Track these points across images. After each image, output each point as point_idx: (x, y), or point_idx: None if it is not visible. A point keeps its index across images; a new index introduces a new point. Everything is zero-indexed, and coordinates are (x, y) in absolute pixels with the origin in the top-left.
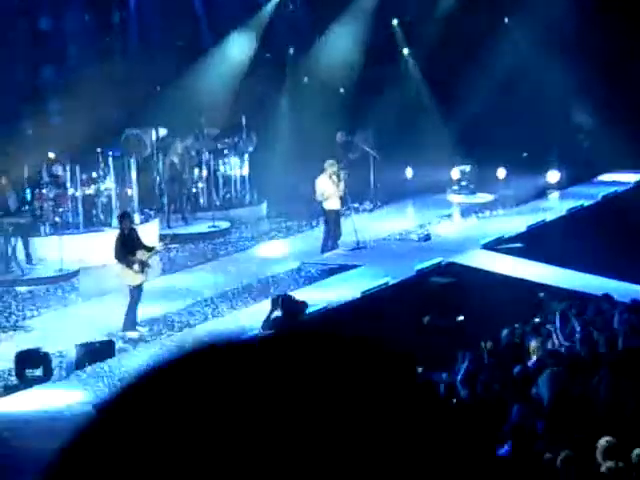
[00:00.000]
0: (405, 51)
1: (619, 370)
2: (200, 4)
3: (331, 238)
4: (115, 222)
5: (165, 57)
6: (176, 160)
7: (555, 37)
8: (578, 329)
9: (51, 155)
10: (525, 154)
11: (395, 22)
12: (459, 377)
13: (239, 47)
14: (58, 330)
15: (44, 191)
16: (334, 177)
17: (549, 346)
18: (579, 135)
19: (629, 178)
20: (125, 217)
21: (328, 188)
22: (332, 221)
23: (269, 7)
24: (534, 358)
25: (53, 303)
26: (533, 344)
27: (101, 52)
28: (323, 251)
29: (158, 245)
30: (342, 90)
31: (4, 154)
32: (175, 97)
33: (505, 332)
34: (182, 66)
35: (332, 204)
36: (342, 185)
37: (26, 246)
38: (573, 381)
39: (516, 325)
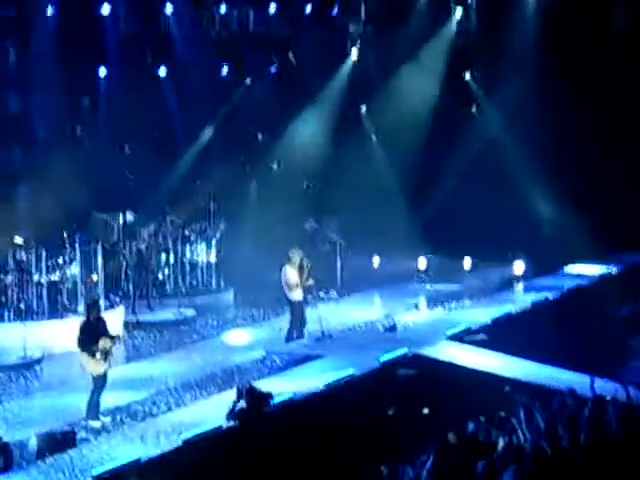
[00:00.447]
0: (373, 137)
1: (583, 466)
2: (171, 91)
3: (296, 328)
4: (81, 308)
5: (135, 142)
6: (143, 246)
7: (520, 127)
8: (542, 424)
9: (17, 240)
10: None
11: (363, 108)
12: (424, 472)
13: (209, 130)
14: (19, 419)
15: (8, 277)
16: (299, 267)
17: (514, 441)
18: (544, 226)
19: (593, 270)
20: (93, 306)
21: (293, 278)
22: (297, 311)
23: (238, 93)
24: (499, 453)
25: (15, 391)
26: (500, 440)
27: (70, 135)
28: (288, 340)
29: (121, 334)
30: (308, 184)
31: None
32: (145, 182)
33: (471, 426)
34: (153, 149)
35: (296, 294)
36: (306, 275)
37: None
38: (538, 477)
39: (482, 418)
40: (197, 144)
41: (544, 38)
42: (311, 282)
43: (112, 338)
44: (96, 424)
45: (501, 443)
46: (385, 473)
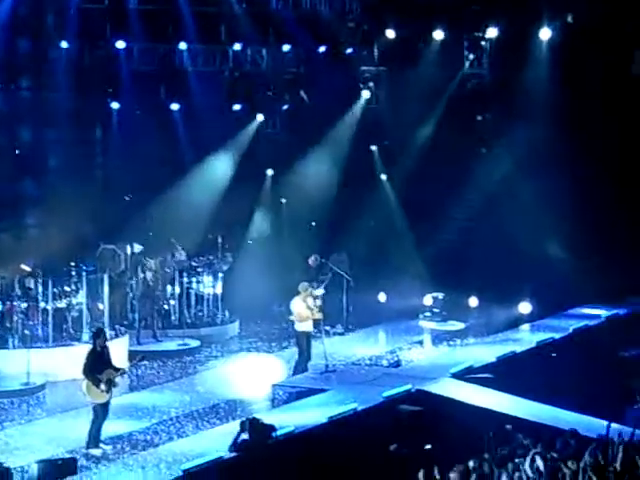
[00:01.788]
0: (383, 176)
1: None
2: (181, 122)
3: (304, 360)
4: (85, 337)
5: (145, 175)
6: (149, 276)
7: (530, 169)
8: (542, 466)
9: (25, 267)
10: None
11: (374, 147)
12: None
13: (220, 165)
14: (20, 445)
15: (15, 303)
16: (308, 299)
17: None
18: (552, 267)
19: (600, 313)
20: (100, 334)
21: (302, 311)
22: (303, 343)
23: (250, 128)
24: None
25: (17, 417)
26: (501, 478)
27: (81, 166)
28: (295, 373)
29: (127, 366)
30: (310, 225)
31: None
32: (153, 214)
33: (472, 463)
34: (164, 182)
35: (303, 326)
36: (319, 313)
37: None
38: None
39: (485, 456)
40: (207, 179)
41: (558, 81)
42: (320, 316)
43: (117, 370)
44: (97, 452)
45: None
46: None
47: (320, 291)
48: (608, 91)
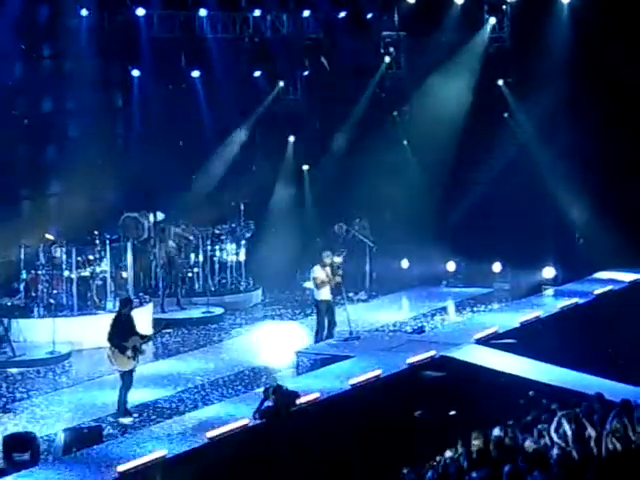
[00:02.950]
0: (405, 142)
1: (608, 472)
2: (204, 93)
3: (324, 328)
4: (110, 305)
5: (166, 143)
6: (173, 245)
7: (553, 134)
8: (569, 429)
9: (48, 236)
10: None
11: (396, 113)
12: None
13: (241, 133)
14: (47, 414)
15: (40, 272)
16: (328, 268)
17: (542, 445)
18: (576, 232)
19: (624, 277)
20: (128, 302)
21: (321, 277)
22: (324, 311)
23: (270, 96)
24: (525, 457)
25: (43, 386)
26: (527, 443)
27: (102, 134)
28: (316, 341)
29: (152, 333)
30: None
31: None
32: (175, 182)
33: (497, 429)
34: (184, 152)
35: (324, 294)
36: (338, 277)
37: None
38: None
39: (509, 422)
40: (229, 146)
41: (578, 45)
42: (339, 279)
43: (142, 337)
44: (127, 420)
45: (527, 447)
46: (408, 475)
47: (338, 259)
48: (630, 52)
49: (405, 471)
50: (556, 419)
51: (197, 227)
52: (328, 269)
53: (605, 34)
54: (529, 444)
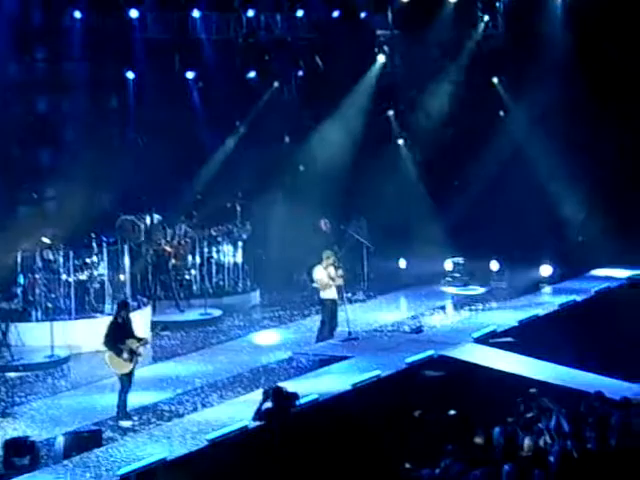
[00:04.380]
0: (400, 141)
1: (609, 469)
2: (198, 94)
3: (326, 327)
4: (107, 308)
5: (162, 145)
6: (169, 247)
7: (548, 131)
8: (568, 428)
9: (45, 240)
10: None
11: (391, 112)
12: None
13: (237, 132)
14: (46, 418)
15: (37, 276)
16: (330, 268)
17: (541, 444)
18: (573, 230)
19: (621, 274)
20: (125, 306)
21: (324, 279)
22: (327, 310)
23: (265, 97)
24: (525, 455)
25: (42, 390)
26: (526, 442)
27: (97, 136)
28: (318, 340)
29: (149, 336)
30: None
31: None
32: (171, 184)
33: (497, 429)
34: (179, 154)
35: (328, 294)
36: (339, 276)
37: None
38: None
39: (509, 420)
40: (224, 147)
41: (572, 41)
42: (341, 282)
43: (139, 340)
44: (127, 424)
45: (527, 445)
46: (409, 472)
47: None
48: (625, 48)
49: (408, 466)
50: (554, 418)
51: (194, 229)
52: (330, 269)
53: (599, 31)
54: (528, 443)
